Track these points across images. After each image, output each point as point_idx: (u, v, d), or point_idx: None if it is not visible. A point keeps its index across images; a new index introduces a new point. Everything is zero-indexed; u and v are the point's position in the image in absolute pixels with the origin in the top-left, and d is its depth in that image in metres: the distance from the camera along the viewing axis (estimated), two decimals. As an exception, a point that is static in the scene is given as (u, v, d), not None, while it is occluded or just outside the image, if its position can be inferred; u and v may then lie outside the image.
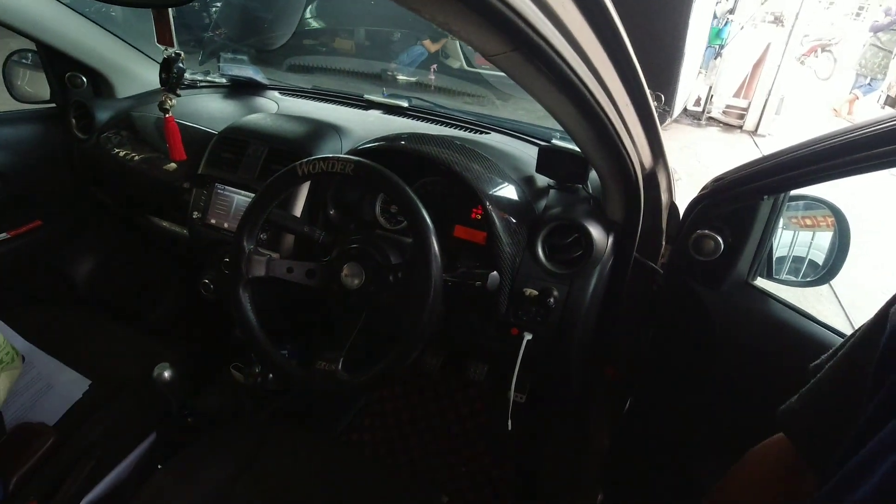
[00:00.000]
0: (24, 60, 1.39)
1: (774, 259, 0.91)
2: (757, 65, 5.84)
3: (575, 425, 1.38)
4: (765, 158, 0.76)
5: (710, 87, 5.92)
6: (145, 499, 0.94)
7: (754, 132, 5.89)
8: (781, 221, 0.88)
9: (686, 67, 0.99)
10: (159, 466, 1.10)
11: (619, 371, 1.21)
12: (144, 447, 1.13)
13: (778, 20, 5.45)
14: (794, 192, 0.82)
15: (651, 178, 0.93)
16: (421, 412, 1.58)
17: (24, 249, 1.41)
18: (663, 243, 1.06)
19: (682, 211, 1.03)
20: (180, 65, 0.92)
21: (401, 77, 1.77)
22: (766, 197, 0.78)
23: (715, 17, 6.05)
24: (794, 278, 0.94)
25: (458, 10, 0.42)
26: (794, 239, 0.95)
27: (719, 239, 0.83)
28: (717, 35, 5.84)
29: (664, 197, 0.99)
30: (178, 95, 0.94)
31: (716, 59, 5.95)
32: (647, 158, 0.90)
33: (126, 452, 1.09)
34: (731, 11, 5.88)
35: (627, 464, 1.24)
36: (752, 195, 0.78)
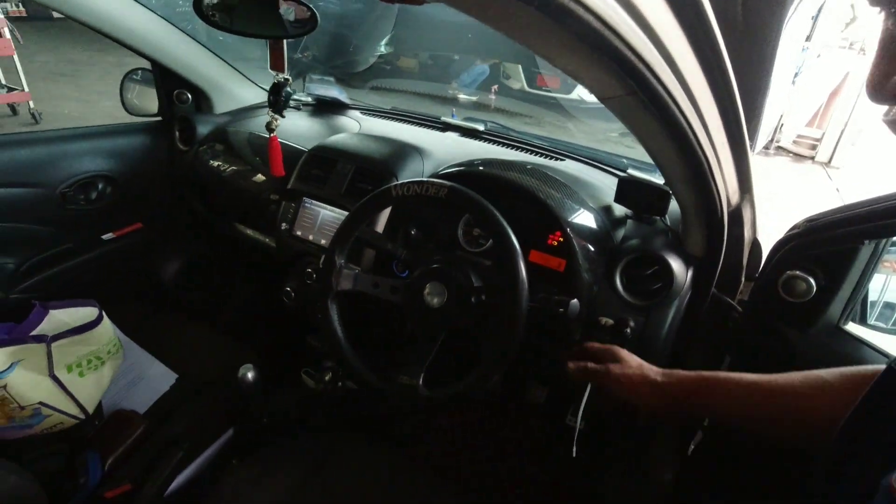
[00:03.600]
0: (136, 77, 1.54)
1: (869, 304, 0.88)
2: (833, 94, 5.57)
3: (637, 457, 1.35)
4: (867, 202, 0.74)
5: (781, 116, 5.69)
6: (222, 493, 0.99)
7: (827, 163, 5.60)
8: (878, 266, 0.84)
9: (771, 100, 0.98)
10: (234, 461, 1.16)
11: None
12: (222, 442, 1.20)
13: (861, 49, 5.19)
14: (897, 238, 0.80)
15: (736, 214, 0.92)
16: (478, 430, 1.59)
17: (125, 249, 1.54)
18: (742, 279, 1.04)
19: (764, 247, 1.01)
20: (288, 89, 0.99)
21: (473, 99, 1.82)
22: (867, 242, 0.75)
23: (789, 43, 5.83)
24: (885, 325, 0.90)
25: (583, 56, 0.45)
26: (886, 284, 0.91)
27: (812, 281, 0.80)
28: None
29: (748, 233, 0.97)
30: (283, 117, 1.02)
31: (792, 84, 5.72)
32: (735, 194, 0.89)
33: (207, 445, 1.16)
34: (808, 38, 5.66)
35: (690, 501, 1.21)
36: (852, 238, 0.76)
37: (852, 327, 0.85)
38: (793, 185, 5.04)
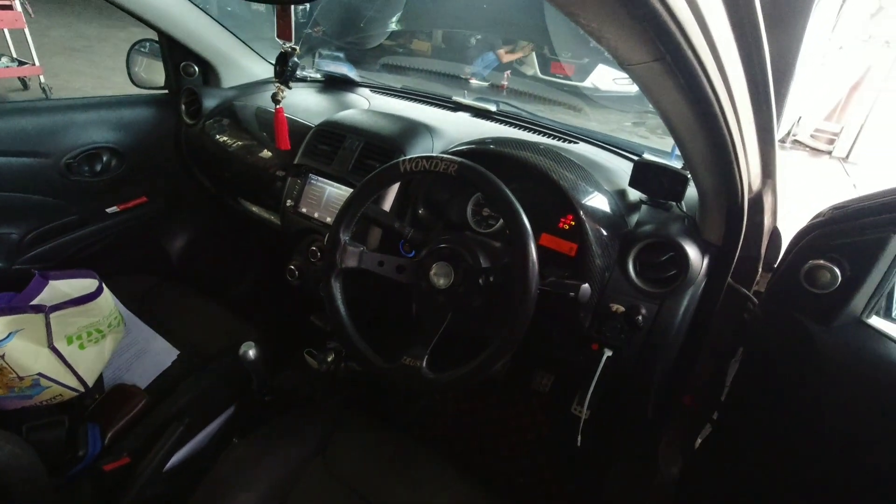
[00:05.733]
0: (143, 50, 1.51)
1: (895, 298, 0.84)
2: (854, 87, 5.44)
3: (643, 450, 1.33)
4: (898, 190, 0.70)
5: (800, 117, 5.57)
6: (223, 468, 0.98)
7: (845, 158, 5.48)
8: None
9: (795, 90, 0.93)
10: (235, 440, 1.15)
11: (698, 399, 1.16)
12: (224, 418, 1.19)
13: (886, 41, 5.05)
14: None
15: (757, 201, 0.88)
16: (482, 416, 1.57)
17: (130, 223, 1.53)
18: (759, 269, 1.00)
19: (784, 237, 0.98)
20: (295, 59, 0.96)
21: (484, 82, 1.78)
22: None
23: (811, 34, 5.68)
24: None
25: (615, 16, 0.42)
26: None
27: (837, 271, 0.77)
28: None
29: (768, 221, 0.93)
30: (290, 88, 0.99)
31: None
32: (757, 179, 0.85)
33: (208, 421, 1.15)
34: (833, 29, 5.51)
35: (698, 497, 1.18)
36: (882, 228, 0.72)
37: (875, 321, 0.81)
38: (808, 181, 4.95)
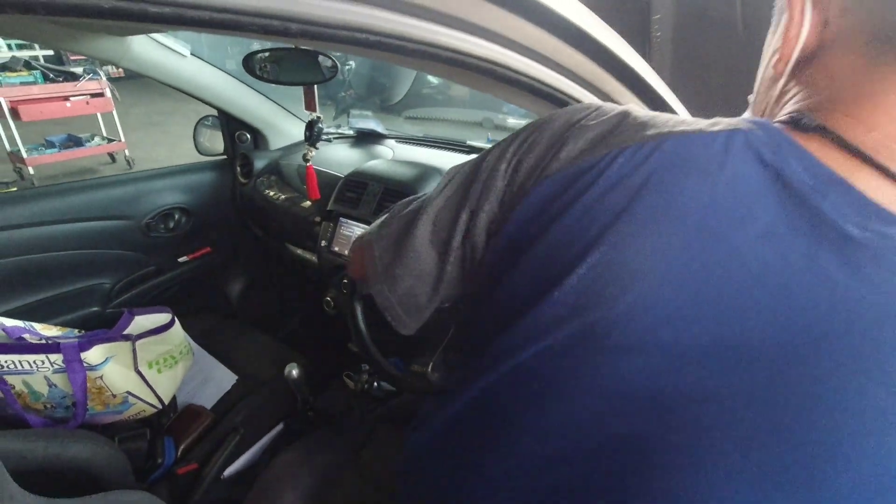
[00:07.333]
0: (206, 123, 1.80)
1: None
2: None
3: None
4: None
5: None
6: (272, 473, 1.14)
7: None
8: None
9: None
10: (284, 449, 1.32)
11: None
12: (274, 433, 1.37)
13: None
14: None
15: None
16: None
17: (197, 270, 1.79)
18: None
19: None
20: (320, 125, 1.17)
21: (500, 124, 1.96)
22: None
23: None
24: None
25: (525, 97, 0.57)
26: None
27: None
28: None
29: None
30: (317, 149, 1.20)
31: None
32: None
33: (261, 435, 1.33)
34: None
35: None
36: None
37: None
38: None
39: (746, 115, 0.52)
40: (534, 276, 0.43)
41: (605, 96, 0.68)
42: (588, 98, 0.63)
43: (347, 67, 2.46)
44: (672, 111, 0.77)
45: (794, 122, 0.40)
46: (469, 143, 1.67)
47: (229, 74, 1.59)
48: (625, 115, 0.45)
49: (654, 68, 1.15)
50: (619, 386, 0.38)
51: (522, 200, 0.45)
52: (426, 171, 1.40)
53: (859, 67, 0.37)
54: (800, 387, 0.34)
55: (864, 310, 0.34)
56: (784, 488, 0.32)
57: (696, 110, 0.84)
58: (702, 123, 0.42)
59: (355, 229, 1.38)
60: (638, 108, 0.46)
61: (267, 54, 1.05)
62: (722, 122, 0.42)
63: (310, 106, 1.11)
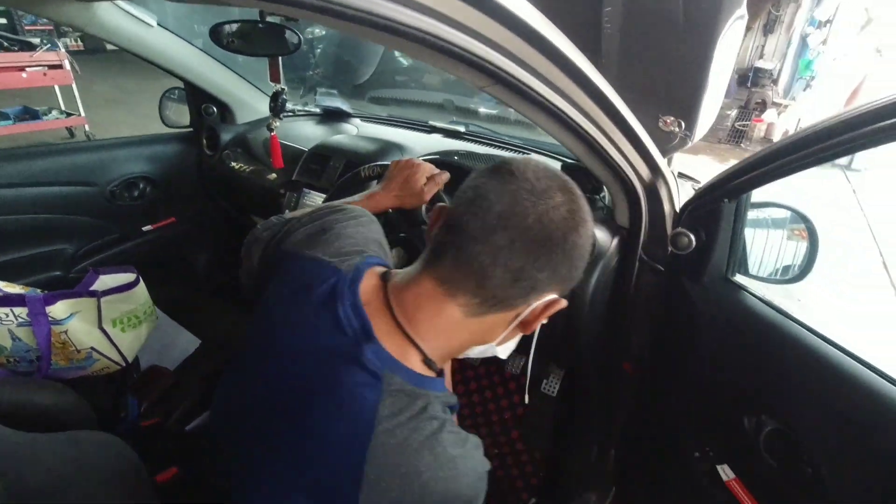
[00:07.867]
0: (172, 96, 1.82)
1: (751, 258, 1.03)
2: (852, 97, 5.54)
3: (602, 420, 1.50)
4: (731, 167, 0.90)
5: (799, 120, 5.69)
6: None
7: (847, 166, 5.55)
8: (751, 222, 1.00)
9: (710, 96, 1.14)
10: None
11: (635, 366, 1.34)
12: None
13: (877, 50, 5.18)
14: (759, 200, 0.96)
15: (652, 190, 1.09)
16: (465, 400, 1.77)
17: (161, 240, 1.82)
18: (669, 248, 1.20)
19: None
20: (284, 97, 1.23)
21: (462, 107, 2.04)
22: (726, 200, 0.91)
23: (808, 47, 5.85)
24: (764, 275, 1.04)
25: (447, 59, 0.65)
26: (767, 240, 1.05)
27: (692, 236, 0.97)
28: (807, 67, 5.65)
29: (667, 208, 1.14)
30: (281, 119, 1.26)
31: (805, 90, 5.73)
32: (646, 173, 1.06)
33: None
34: (824, 42, 5.67)
35: (635, 456, 1.35)
36: (714, 199, 0.92)
37: (739, 278, 1.00)
38: (806, 186, 5.02)
39: None
40: None
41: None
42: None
43: (318, 49, 2.50)
44: (613, 107, 0.85)
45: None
46: (431, 123, 1.75)
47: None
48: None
49: (603, 62, 1.24)
50: None
51: None
52: (385, 145, 1.47)
53: None
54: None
55: None
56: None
57: (638, 105, 0.94)
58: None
59: (318, 199, 1.44)
60: None
61: (234, 26, 1.10)
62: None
63: (274, 77, 1.17)
